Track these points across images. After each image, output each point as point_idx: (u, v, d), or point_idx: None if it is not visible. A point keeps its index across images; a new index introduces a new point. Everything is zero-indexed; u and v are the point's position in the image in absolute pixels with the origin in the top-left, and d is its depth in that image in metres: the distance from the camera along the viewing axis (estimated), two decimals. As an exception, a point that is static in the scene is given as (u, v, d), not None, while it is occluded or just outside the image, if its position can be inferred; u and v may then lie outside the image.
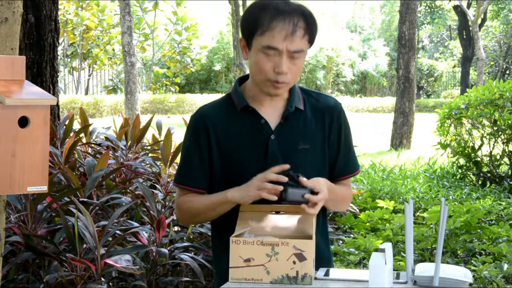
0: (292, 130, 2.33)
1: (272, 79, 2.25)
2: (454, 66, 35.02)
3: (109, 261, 3.21)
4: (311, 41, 2.29)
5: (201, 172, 2.35)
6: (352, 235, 4.98)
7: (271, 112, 2.34)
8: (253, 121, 2.33)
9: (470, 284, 2.08)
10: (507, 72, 32.42)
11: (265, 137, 2.32)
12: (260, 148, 2.31)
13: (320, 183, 2.22)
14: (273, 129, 2.32)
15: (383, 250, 2.02)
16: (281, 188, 2.16)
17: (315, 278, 2.13)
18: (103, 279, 3.28)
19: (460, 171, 8.09)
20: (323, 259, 2.35)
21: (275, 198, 2.16)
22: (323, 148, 2.36)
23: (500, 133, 7.58)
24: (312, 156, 2.33)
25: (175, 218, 3.92)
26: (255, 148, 2.31)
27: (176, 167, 4.63)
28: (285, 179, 2.16)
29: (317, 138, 2.35)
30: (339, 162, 2.40)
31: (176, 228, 4.08)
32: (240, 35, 2.33)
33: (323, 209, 2.38)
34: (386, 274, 2.00)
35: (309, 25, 2.25)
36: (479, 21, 26.93)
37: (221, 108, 2.37)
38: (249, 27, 2.26)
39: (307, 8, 2.28)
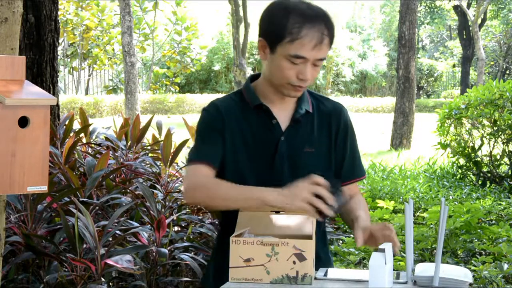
0: (300, 133, 2.35)
1: (295, 84, 2.27)
2: (454, 66, 35.02)
3: (109, 261, 3.20)
4: (331, 46, 2.31)
5: (216, 151, 2.31)
6: (352, 235, 4.98)
7: (282, 113, 2.36)
8: (265, 120, 2.34)
9: (470, 284, 2.08)
10: (507, 72, 32.42)
11: (275, 138, 2.33)
12: (269, 147, 2.33)
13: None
14: (283, 130, 2.34)
15: (383, 250, 2.02)
16: (327, 210, 2.11)
17: (315, 278, 2.14)
18: (103, 279, 3.28)
19: (460, 171, 8.09)
20: (321, 261, 2.36)
21: (319, 218, 2.12)
22: (329, 152, 2.38)
23: (500, 133, 7.58)
24: (316, 159, 2.34)
25: (175, 218, 3.92)
26: (265, 147, 2.33)
27: (176, 167, 4.66)
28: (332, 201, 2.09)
29: (322, 142, 2.37)
30: (345, 166, 2.41)
31: (176, 228, 4.08)
32: (260, 36, 2.30)
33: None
34: (386, 274, 2.00)
35: (331, 31, 2.27)
36: (479, 21, 26.94)
37: (235, 103, 2.37)
38: (276, 32, 2.24)
39: (327, 12, 2.29)
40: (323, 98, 2.44)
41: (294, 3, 2.26)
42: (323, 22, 2.24)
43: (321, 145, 2.37)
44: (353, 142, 2.44)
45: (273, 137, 2.33)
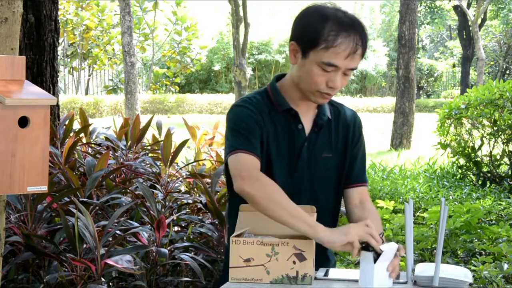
0: (320, 138, 2.37)
1: (323, 92, 2.27)
2: (454, 66, 35.02)
3: (109, 261, 3.20)
4: (363, 56, 2.31)
5: (258, 144, 2.28)
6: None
7: (305, 118, 2.37)
8: (291, 124, 2.35)
9: (470, 284, 2.08)
10: (507, 72, 32.42)
11: (299, 143, 2.34)
12: (293, 151, 2.34)
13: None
14: (307, 135, 2.35)
15: (371, 249, 2.03)
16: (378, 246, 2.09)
17: (315, 278, 2.14)
18: (103, 279, 3.28)
19: (460, 171, 8.09)
20: (325, 261, 2.36)
21: (356, 255, 2.08)
22: (344, 157, 2.41)
23: (500, 133, 7.58)
24: (333, 164, 2.38)
25: (175, 218, 3.92)
26: (289, 151, 2.34)
27: (176, 167, 4.66)
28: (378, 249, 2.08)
29: (339, 147, 2.40)
30: (356, 169, 2.44)
31: (176, 228, 4.08)
32: (292, 39, 2.29)
33: (334, 217, 2.44)
34: (374, 273, 2.01)
35: (365, 41, 2.27)
36: (479, 21, 26.94)
37: (264, 103, 2.36)
38: (311, 37, 2.22)
39: (362, 22, 2.29)
40: (339, 104, 2.47)
41: (331, 10, 2.25)
42: (358, 32, 2.23)
43: (338, 150, 2.40)
44: (364, 149, 2.48)
45: (297, 141, 2.34)
